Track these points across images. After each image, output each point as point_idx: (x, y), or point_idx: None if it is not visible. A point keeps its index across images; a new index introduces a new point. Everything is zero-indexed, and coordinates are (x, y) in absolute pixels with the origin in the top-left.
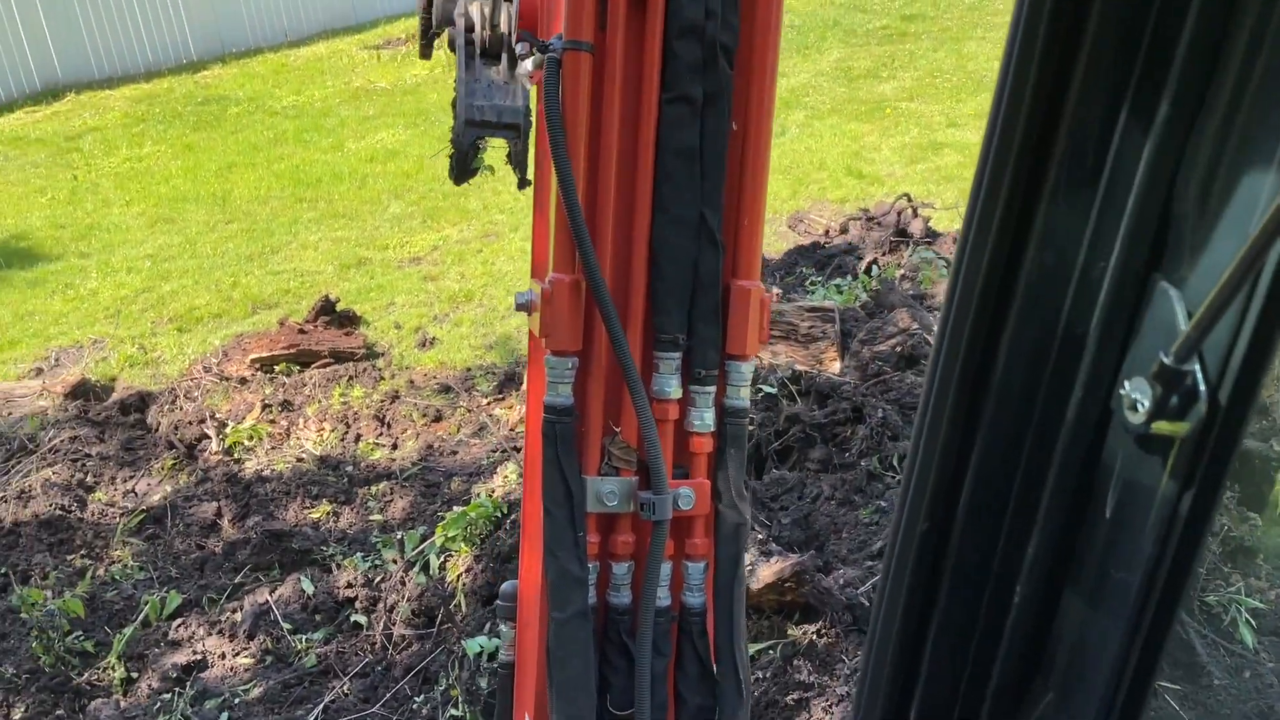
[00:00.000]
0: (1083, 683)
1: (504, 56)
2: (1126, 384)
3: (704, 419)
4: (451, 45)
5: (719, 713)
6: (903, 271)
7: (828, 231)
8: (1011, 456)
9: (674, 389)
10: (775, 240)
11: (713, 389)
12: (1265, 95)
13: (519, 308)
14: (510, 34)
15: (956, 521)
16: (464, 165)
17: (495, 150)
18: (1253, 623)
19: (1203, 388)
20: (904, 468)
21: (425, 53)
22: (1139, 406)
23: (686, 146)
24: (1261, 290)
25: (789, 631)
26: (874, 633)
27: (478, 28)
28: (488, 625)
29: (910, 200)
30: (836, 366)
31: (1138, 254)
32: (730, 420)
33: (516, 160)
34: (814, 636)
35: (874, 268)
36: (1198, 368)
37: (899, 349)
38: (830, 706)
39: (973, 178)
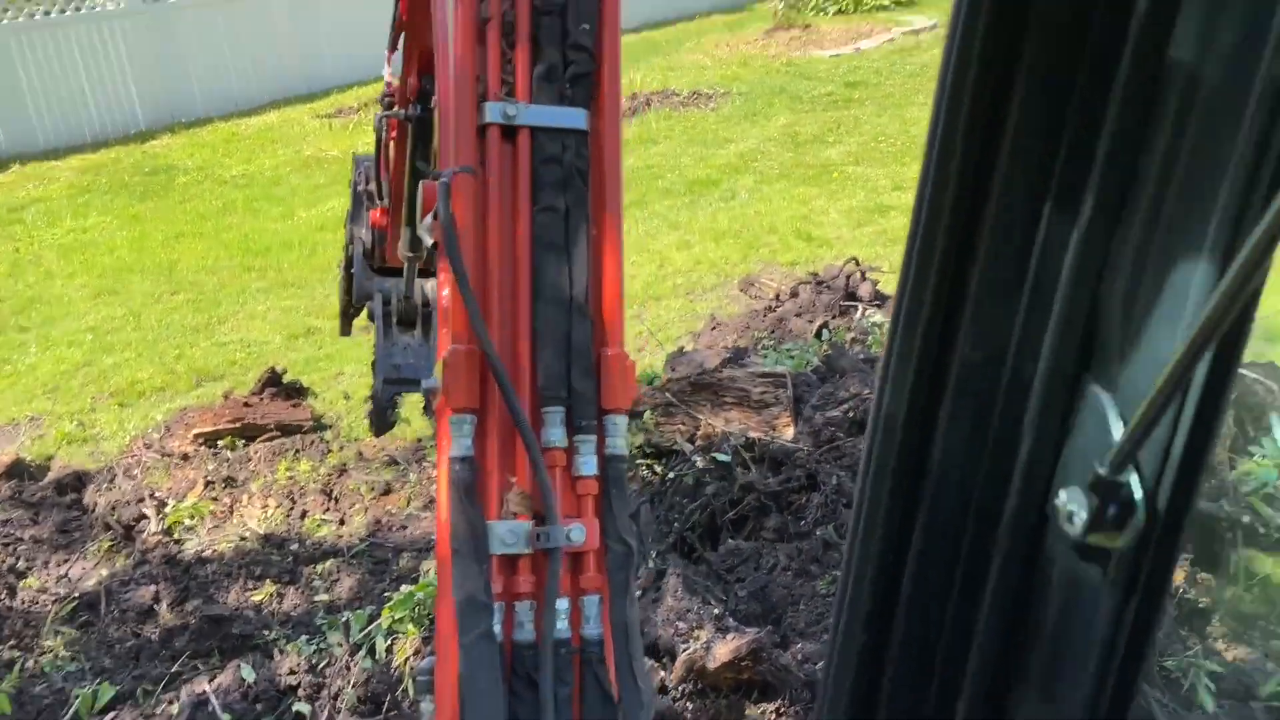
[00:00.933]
0: None
1: (418, 323)
2: (1062, 493)
3: (589, 464)
4: (371, 316)
5: (621, 716)
6: (853, 335)
7: (778, 295)
8: (949, 561)
9: (560, 437)
10: (728, 304)
11: (593, 438)
12: (1186, 193)
13: (425, 392)
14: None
15: (895, 628)
16: (383, 418)
17: (411, 404)
18: (1211, 687)
19: (1139, 496)
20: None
21: (345, 329)
22: (1074, 518)
23: (555, 243)
24: (1193, 398)
25: (747, 711)
26: None
27: (394, 300)
28: None
29: (858, 264)
30: (790, 432)
31: (1067, 355)
32: (611, 465)
33: (433, 412)
34: (773, 715)
35: (824, 331)
36: (1134, 477)
37: (851, 414)
38: None
39: (899, 272)
